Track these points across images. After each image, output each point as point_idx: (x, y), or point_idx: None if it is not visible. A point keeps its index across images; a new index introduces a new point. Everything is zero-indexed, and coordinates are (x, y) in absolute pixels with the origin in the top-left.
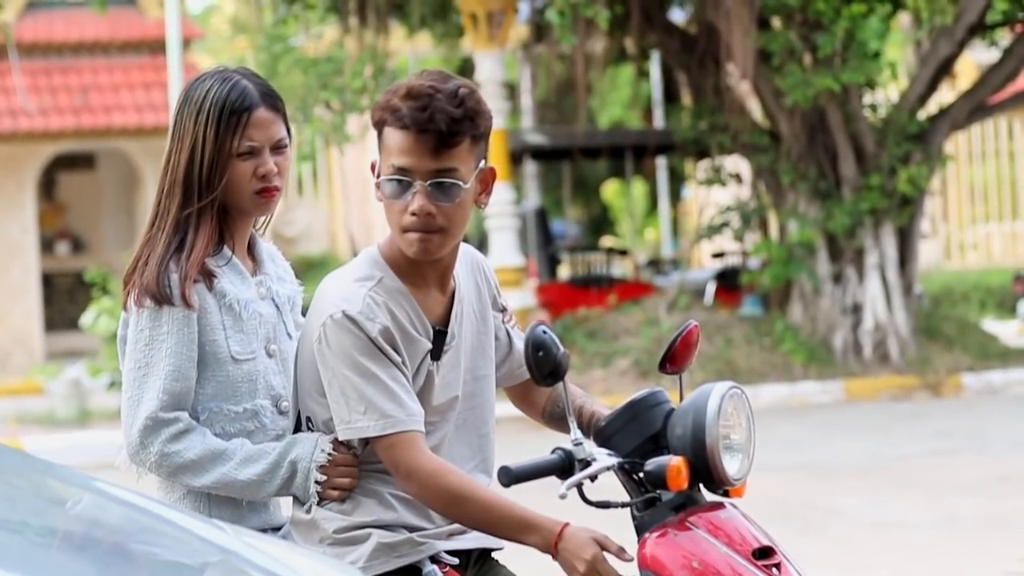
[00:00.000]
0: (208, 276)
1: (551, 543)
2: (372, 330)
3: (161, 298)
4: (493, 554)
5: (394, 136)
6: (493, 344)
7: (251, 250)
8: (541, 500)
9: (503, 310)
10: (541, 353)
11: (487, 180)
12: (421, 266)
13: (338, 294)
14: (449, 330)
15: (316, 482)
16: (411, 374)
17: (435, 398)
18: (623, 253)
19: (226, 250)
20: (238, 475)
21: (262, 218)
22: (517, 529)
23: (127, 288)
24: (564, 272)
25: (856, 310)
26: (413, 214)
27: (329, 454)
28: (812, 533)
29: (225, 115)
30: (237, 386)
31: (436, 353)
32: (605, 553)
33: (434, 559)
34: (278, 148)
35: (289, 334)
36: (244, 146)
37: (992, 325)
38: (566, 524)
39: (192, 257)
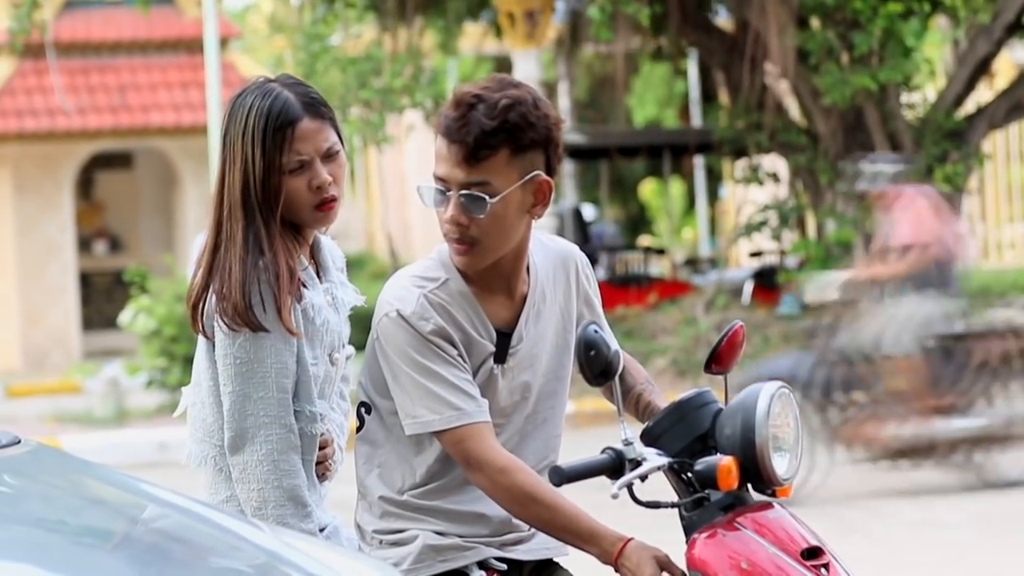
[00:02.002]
0: (299, 288)
1: (612, 556)
2: (424, 329)
3: (255, 326)
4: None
5: (437, 143)
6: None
7: (314, 253)
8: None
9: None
10: (593, 352)
11: (543, 191)
12: (487, 272)
13: (394, 294)
14: (515, 333)
15: None
16: (470, 374)
17: (501, 400)
18: (660, 252)
19: (302, 258)
20: (293, 522)
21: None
22: (580, 537)
23: (197, 312)
24: (601, 271)
25: None
26: (447, 223)
27: None
28: (850, 533)
29: (270, 132)
30: (311, 389)
31: (500, 356)
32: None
33: (483, 565)
34: (329, 156)
35: (344, 342)
36: (294, 161)
37: None
38: (630, 539)
39: (280, 278)
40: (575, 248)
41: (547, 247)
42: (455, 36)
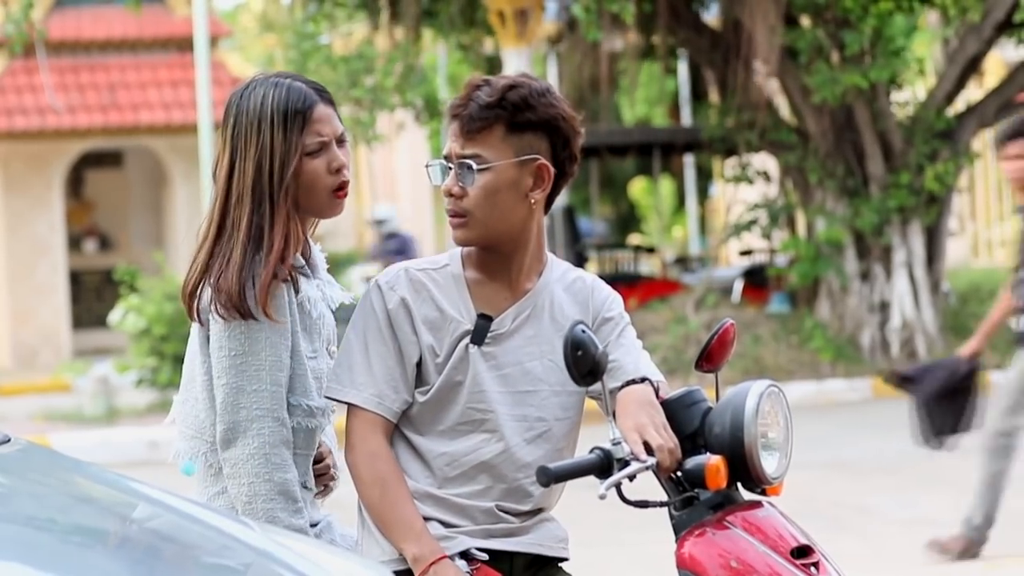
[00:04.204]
0: (294, 275)
1: (425, 562)
2: (390, 300)
3: (247, 314)
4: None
5: (448, 125)
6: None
7: (304, 252)
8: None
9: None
10: (580, 352)
11: (542, 175)
12: (487, 259)
13: (386, 270)
14: (498, 319)
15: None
16: (407, 368)
17: (483, 384)
18: (650, 251)
19: (297, 254)
20: (283, 516)
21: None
22: (404, 533)
23: (192, 298)
24: (592, 270)
25: (884, 308)
26: (444, 195)
27: None
28: (840, 531)
29: (291, 116)
30: (310, 383)
31: (478, 338)
32: None
33: (466, 556)
34: (341, 141)
35: (336, 339)
36: (314, 142)
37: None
38: (444, 555)
39: (272, 257)
40: (605, 287)
41: (571, 273)
42: (477, 42)
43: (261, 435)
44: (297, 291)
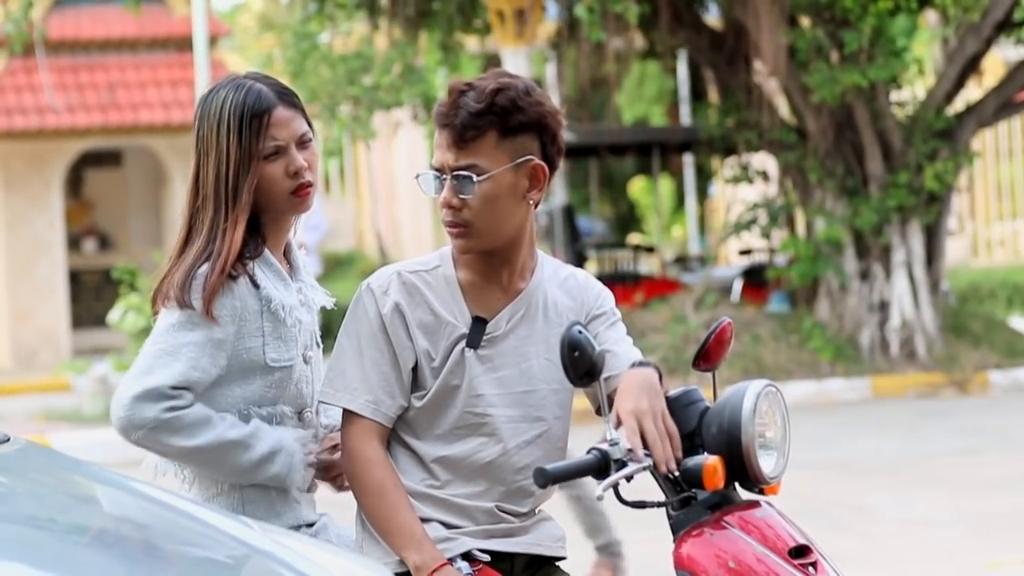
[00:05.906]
0: (254, 282)
1: (427, 569)
2: (384, 304)
3: (184, 304)
4: (558, 563)
5: (435, 134)
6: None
7: (286, 255)
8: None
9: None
10: (577, 353)
11: (537, 176)
12: (483, 261)
13: (376, 273)
14: (493, 321)
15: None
16: (437, 357)
17: (481, 388)
18: (650, 250)
19: (268, 254)
20: (228, 434)
21: (300, 216)
22: (405, 541)
23: (156, 300)
24: (591, 269)
25: (883, 307)
26: (441, 207)
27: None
28: (839, 530)
29: (246, 120)
30: (265, 391)
31: (473, 341)
32: None
33: (467, 557)
34: (303, 143)
35: (318, 342)
36: (270, 147)
37: (1019, 322)
38: (445, 561)
39: (218, 264)
40: (598, 284)
41: (563, 270)
42: (455, 50)
43: (155, 410)
44: (270, 300)
